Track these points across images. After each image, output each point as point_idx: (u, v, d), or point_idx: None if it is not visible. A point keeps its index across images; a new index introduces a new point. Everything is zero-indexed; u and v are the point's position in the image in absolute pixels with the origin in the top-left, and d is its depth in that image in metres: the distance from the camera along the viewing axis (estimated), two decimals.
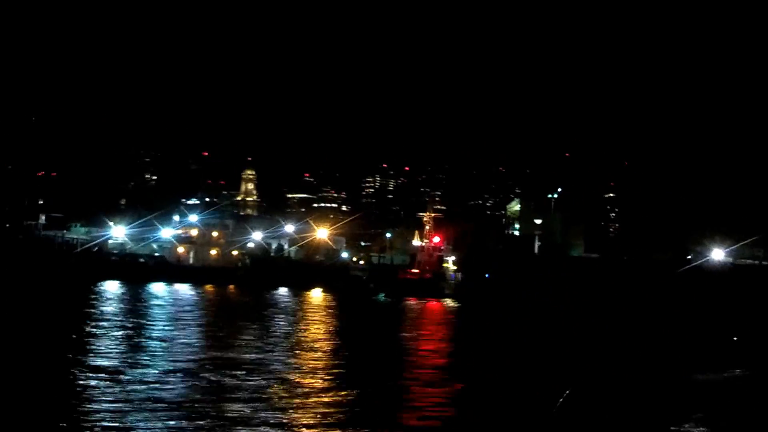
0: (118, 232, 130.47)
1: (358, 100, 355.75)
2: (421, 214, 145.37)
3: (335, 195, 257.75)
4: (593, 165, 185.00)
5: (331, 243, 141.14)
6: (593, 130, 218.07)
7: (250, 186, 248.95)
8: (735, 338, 71.04)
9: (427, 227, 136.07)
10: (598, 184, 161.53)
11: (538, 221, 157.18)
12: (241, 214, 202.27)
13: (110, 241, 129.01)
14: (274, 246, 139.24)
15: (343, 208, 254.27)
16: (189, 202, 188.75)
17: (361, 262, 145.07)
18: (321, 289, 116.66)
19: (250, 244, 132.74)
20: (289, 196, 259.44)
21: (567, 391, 34.76)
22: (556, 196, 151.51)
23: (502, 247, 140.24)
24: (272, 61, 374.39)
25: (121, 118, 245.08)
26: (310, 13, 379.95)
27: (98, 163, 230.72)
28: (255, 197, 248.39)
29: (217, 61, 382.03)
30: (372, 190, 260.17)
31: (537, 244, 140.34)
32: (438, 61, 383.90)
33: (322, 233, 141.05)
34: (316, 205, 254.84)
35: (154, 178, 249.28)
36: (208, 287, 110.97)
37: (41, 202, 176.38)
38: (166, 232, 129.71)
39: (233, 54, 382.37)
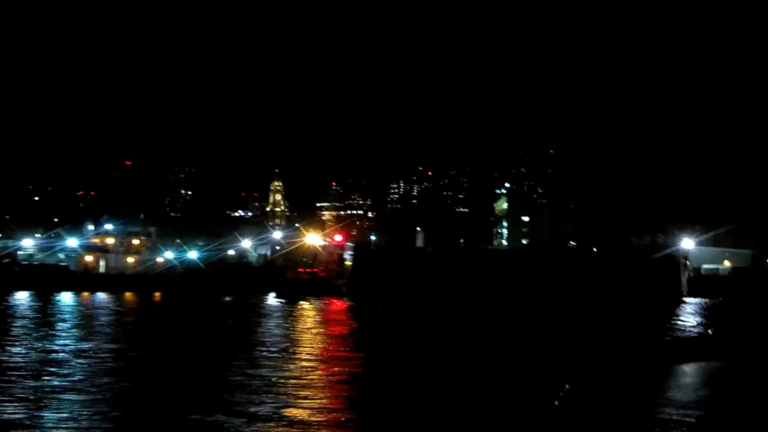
0: (27, 243, 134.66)
1: (379, 109, 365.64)
2: (322, 212, 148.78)
3: (361, 202, 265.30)
4: (580, 161, 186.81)
5: (320, 248, 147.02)
6: (579, 127, 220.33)
7: (278, 197, 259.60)
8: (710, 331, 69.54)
9: (328, 224, 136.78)
10: (585, 179, 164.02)
11: (526, 218, 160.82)
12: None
13: (20, 252, 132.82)
14: (264, 252, 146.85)
15: (369, 214, 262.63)
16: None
17: None
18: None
19: (230, 252, 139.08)
20: (318, 205, 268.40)
21: (567, 385, 34.73)
22: (504, 191, 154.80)
23: (384, 243, 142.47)
24: (297, 75, 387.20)
25: (154, 133, 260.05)
26: (333, 27, 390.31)
27: (136, 178, 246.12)
28: (283, 207, 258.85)
29: (242, 75, 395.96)
30: (397, 195, 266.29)
31: (418, 237, 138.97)
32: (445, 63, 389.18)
33: (311, 239, 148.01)
34: (343, 212, 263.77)
35: (189, 193, 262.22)
36: (128, 295, 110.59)
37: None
38: (72, 242, 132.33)
39: (258, 69, 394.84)
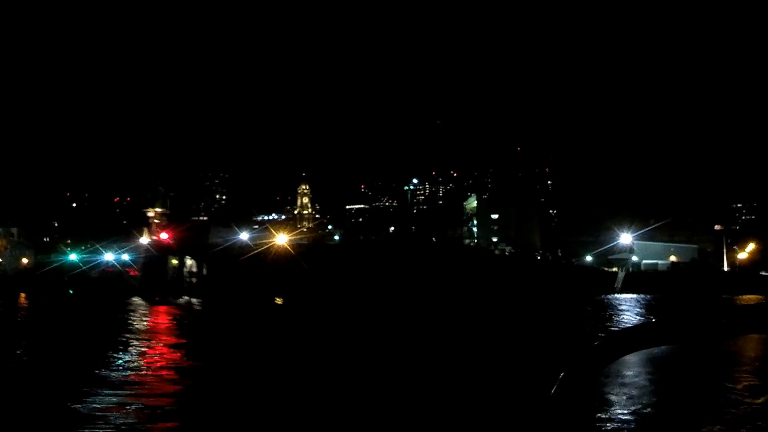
0: None
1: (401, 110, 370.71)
2: (145, 209, 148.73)
3: (387, 204, 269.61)
4: (541, 159, 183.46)
5: (290, 249, 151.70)
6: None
7: (305, 200, 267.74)
8: None
9: (154, 224, 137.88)
10: (545, 177, 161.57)
11: (495, 216, 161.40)
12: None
13: None
14: None
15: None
16: None
17: None
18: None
19: None
20: (348, 207, 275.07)
21: (561, 374, 33.18)
22: (411, 188, 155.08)
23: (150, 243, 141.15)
24: (321, 80, 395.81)
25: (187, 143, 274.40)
26: (355, 33, 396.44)
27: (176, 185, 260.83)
28: (310, 210, 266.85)
29: (269, 82, 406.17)
30: (423, 197, 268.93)
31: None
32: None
33: (281, 239, 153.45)
34: (369, 214, 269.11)
35: (224, 198, 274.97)
36: None
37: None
38: None
39: (286, 75, 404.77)
